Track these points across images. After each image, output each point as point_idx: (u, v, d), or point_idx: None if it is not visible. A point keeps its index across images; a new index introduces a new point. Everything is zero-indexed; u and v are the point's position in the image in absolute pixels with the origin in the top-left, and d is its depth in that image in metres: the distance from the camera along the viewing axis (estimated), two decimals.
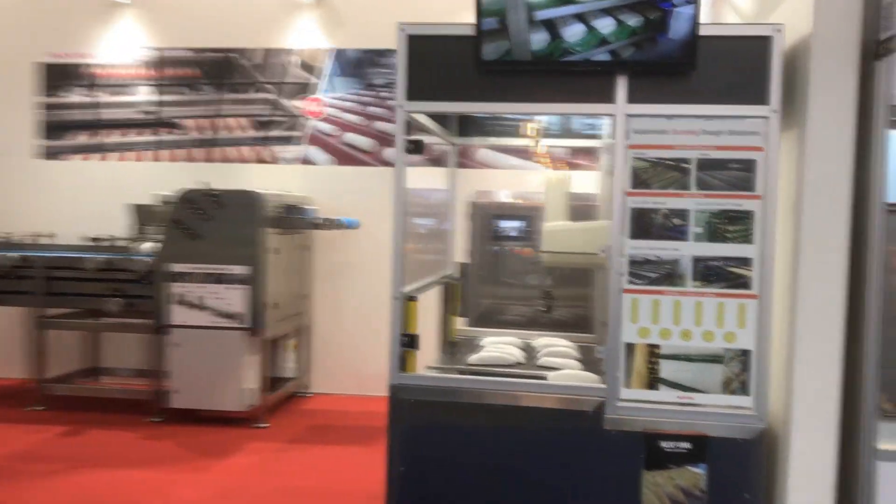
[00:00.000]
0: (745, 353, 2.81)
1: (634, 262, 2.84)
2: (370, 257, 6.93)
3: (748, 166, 2.78)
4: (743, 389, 2.81)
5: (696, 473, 2.80)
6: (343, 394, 6.97)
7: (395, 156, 3.01)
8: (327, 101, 7.07)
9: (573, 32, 2.73)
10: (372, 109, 6.99)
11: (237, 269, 5.97)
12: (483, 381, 2.98)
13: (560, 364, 3.24)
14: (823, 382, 2.68)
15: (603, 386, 2.87)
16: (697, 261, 2.82)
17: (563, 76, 2.80)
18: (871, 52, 2.59)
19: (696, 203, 2.81)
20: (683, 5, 2.64)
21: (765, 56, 2.74)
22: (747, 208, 2.79)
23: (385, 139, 6.96)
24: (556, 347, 3.57)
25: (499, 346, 3.61)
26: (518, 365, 3.33)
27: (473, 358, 3.30)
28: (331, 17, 7.06)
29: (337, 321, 7.02)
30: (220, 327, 6.00)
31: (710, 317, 2.81)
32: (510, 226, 4.89)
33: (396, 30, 2.96)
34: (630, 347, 2.86)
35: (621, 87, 2.79)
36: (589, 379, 3.05)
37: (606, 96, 2.80)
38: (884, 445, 2.64)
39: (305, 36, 7.08)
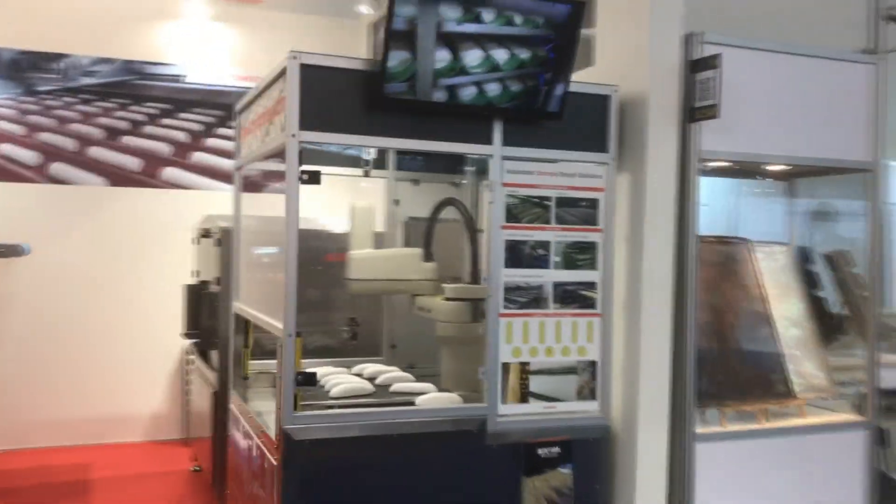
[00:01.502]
0: (592, 364, 3.27)
1: (507, 289, 3.14)
2: (36, 288, 6.14)
3: (593, 204, 3.26)
4: (591, 395, 3.27)
5: (565, 474, 3.18)
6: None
7: (288, 186, 2.88)
8: None
9: (467, 92, 2.94)
10: (35, 119, 6.18)
11: None
12: (378, 412, 3.02)
13: (417, 388, 3.38)
14: (658, 383, 3.25)
15: (484, 404, 3.11)
16: (556, 286, 3.21)
17: (451, 118, 2.99)
18: (688, 116, 3.23)
19: (555, 235, 3.20)
20: (558, 81, 3.02)
21: (605, 111, 3.25)
22: (592, 240, 3.26)
23: (53, 153, 6.20)
24: (390, 374, 3.68)
25: (334, 376, 3.61)
26: (376, 394, 3.39)
27: (335, 391, 3.27)
28: None
29: None
30: None
31: (566, 334, 3.22)
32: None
33: (287, 58, 2.85)
34: (505, 366, 3.14)
35: (497, 130, 3.08)
36: (454, 400, 3.25)
37: (485, 138, 3.07)
38: (699, 430, 3.29)
39: None
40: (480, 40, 2.91)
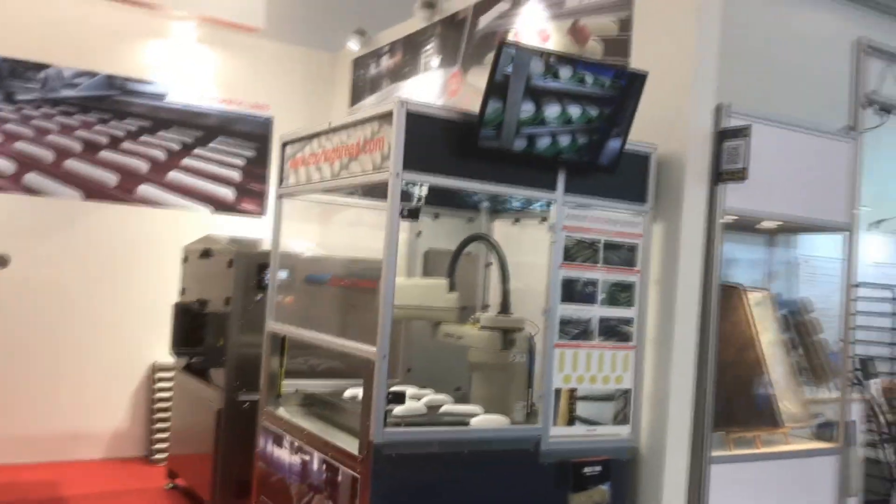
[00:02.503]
0: (626, 392, 3.66)
1: (562, 322, 3.48)
2: (12, 299, 6.02)
3: (632, 249, 3.67)
4: (625, 420, 3.66)
5: (604, 490, 3.54)
6: None
7: (389, 220, 3.13)
8: None
9: (542, 142, 3.30)
10: (10, 127, 6.08)
11: None
12: (455, 430, 3.29)
13: (466, 410, 3.65)
14: (682, 410, 3.67)
15: (538, 426, 3.43)
16: (602, 320, 3.59)
17: (524, 165, 3.34)
18: (716, 177, 3.70)
19: (602, 275, 3.58)
20: (616, 138, 3.42)
21: (645, 167, 3.68)
22: (631, 280, 3.66)
23: (27, 163, 6.11)
24: (430, 397, 3.94)
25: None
26: (428, 415, 3.64)
27: (396, 411, 3.51)
28: None
29: None
30: None
31: (607, 364, 3.60)
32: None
33: (395, 105, 3.11)
34: (556, 392, 3.48)
35: (561, 179, 3.44)
36: (504, 422, 3.55)
37: (550, 185, 3.43)
38: (714, 453, 3.72)
39: None
40: (559, 95, 3.28)
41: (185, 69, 6.68)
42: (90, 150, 6.33)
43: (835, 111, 4.36)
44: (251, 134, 6.96)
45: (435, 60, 5.76)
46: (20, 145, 6.12)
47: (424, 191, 3.77)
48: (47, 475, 5.83)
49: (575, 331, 3.52)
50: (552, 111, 3.27)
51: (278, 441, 3.90)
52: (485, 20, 5.24)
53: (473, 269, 4.72)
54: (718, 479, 3.72)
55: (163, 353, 6.49)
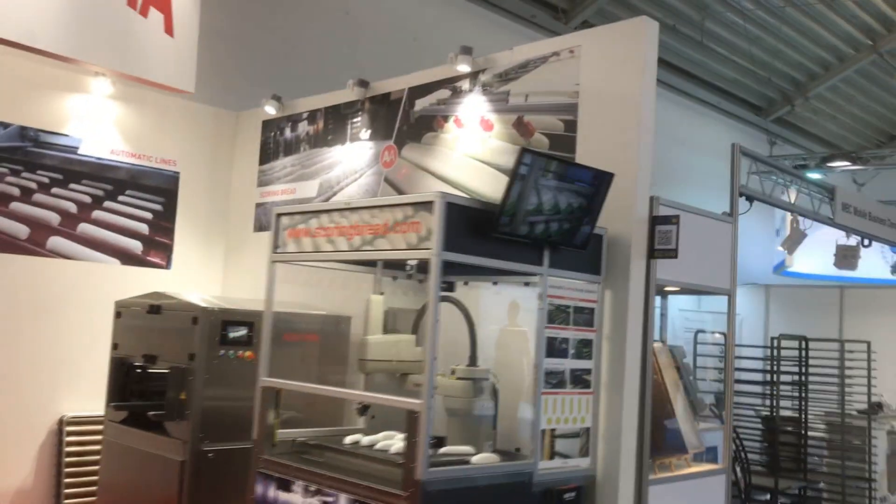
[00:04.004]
0: (587, 430, 4.46)
1: (547, 373, 4.23)
2: None
3: (591, 312, 4.50)
4: (586, 453, 4.45)
5: None
6: None
7: (431, 291, 3.73)
8: None
9: (538, 227, 4.06)
10: None
11: None
12: (478, 468, 3.93)
13: (461, 451, 4.26)
14: (629, 442, 4.53)
15: (531, 461, 4.13)
16: (571, 371, 4.38)
17: (520, 245, 4.08)
18: (651, 253, 4.64)
19: (572, 334, 4.38)
20: (588, 224, 4.26)
21: (599, 245, 4.54)
22: (590, 337, 4.49)
23: None
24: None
25: (386, 440, 4.38)
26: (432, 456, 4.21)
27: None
28: None
29: None
30: None
31: (575, 407, 4.39)
32: (237, 331, 5.28)
33: (437, 196, 3.73)
34: (542, 432, 4.21)
35: (546, 256, 4.22)
36: (495, 459, 4.21)
37: (537, 261, 4.19)
38: (651, 476, 4.61)
39: None
40: (553, 191, 4.06)
41: (98, 123, 6.74)
42: (1, 202, 6.23)
43: (715, 201, 5.51)
44: (159, 188, 7.11)
45: (365, 133, 6.35)
46: None
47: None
48: None
49: (554, 381, 4.28)
50: (548, 203, 4.05)
51: (284, 486, 4.29)
52: (422, 103, 5.93)
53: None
54: (653, 499, 4.61)
55: (72, 406, 6.48)
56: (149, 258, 7.04)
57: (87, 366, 6.56)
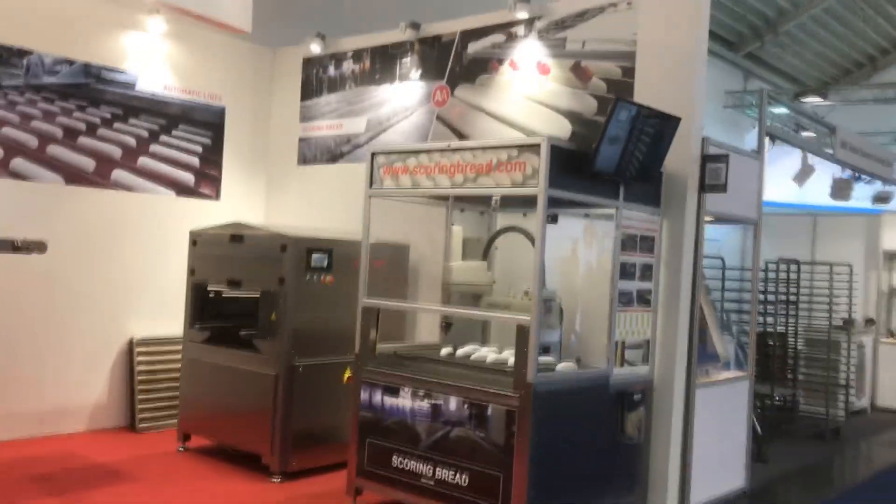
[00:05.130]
0: (647, 342, 5.15)
1: (620, 294, 4.87)
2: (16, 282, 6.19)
3: (652, 239, 5.14)
4: (646, 361, 5.15)
5: (642, 411, 5.01)
6: None
7: (538, 224, 4.30)
8: None
9: (621, 167, 4.64)
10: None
11: None
12: (571, 373, 4.57)
13: (548, 361, 4.89)
14: (682, 352, 5.23)
15: (605, 367, 4.81)
16: (638, 292, 5.03)
17: (604, 182, 4.66)
18: (703, 188, 5.27)
19: (638, 259, 5.02)
20: (656, 163, 4.85)
21: (659, 182, 5.15)
22: (651, 262, 5.14)
23: (14, 148, 6.25)
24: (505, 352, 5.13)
25: (477, 351, 5.01)
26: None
27: (490, 360, 4.73)
28: None
29: None
30: None
31: (639, 323, 5.06)
32: (319, 258, 5.78)
33: (543, 140, 4.27)
34: (616, 344, 4.88)
35: (621, 191, 4.81)
36: (572, 367, 4.87)
37: (614, 195, 4.78)
38: (702, 379, 5.34)
39: None
40: (635, 133, 4.63)
41: (152, 60, 7.03)
42: (70, 137, 6.53)
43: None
44: (207, 123, 7.45)
45: (415, 73, 6.78)
46: (6, 130, 6.20)
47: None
48: (53, 448, 6.12)
49: (624, 300, 4.94)
50: (631, 144, 4.62)
51: (392, 392, 4.89)
52: (474, 46, 6.38)
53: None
54: (699, 400, 5.35)
55: (139, 328, 6.95)
56: (200, 189, 7.42)
57: (151, 290, 7.02)
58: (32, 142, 6.33)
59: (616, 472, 4.96)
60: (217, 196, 7.54)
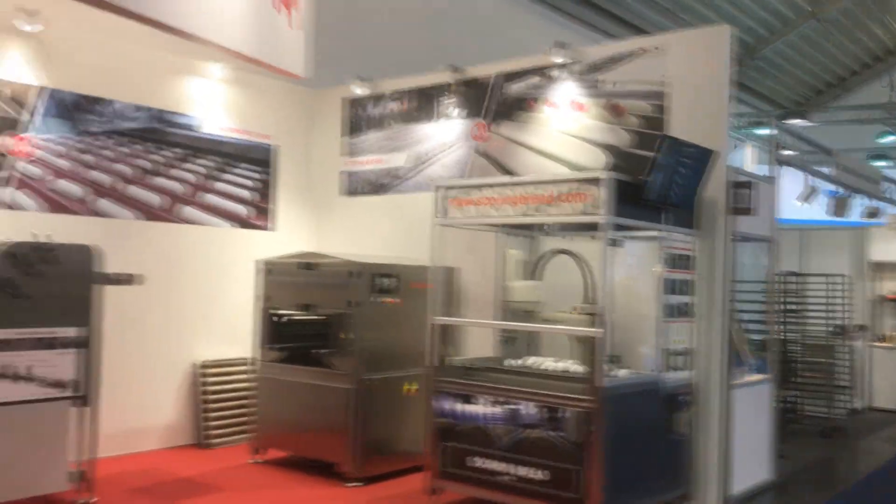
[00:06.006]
0: (688, 350, 5.81)
1: (665, 307, 5.53)
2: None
3: (689, 258, 5.81)
4: (688, 367, 5.81)
5: (688, 411, 5.66)
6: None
7: (604, 249, 4.95)
8: (38, 141, 6.50)
9: (666, 196, 5.32)
10: (86, 157, 6.77)
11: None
12: (634, 377, 5.22)
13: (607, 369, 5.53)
14: (720, 357, 5.89)
15: (657, 373, 5.46)
16: (680, 305, 5.70)
17: (650, 210, 5.33)
18: (731, 211, 5.96)
19: (679, 276, 5.69)
20: (695, 190, 5.54)
21: (695, 207, 5.84)
22: (690, 278, 5.81)
23: (98, 189, 6.81)
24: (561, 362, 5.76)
25: (542, 362, 5.63)
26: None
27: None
28: (43, 53, 6.54)
29: None
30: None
31: (681, 332, 5.72)
32: (384, 282, 6.39)
33: (604, 174, 4.93)
34: (664, 351, 5.54)
35: (664, 216, 5.49)
36: (627, 373, 5.51)
37: (658, 220, 5.46)
38: (734, 382, 6.01)
39: (14, 68, 6.37)
40: (678, 166, 5.32)
41: (212, 103, 7.63)
42: (143, 176, 7.10)
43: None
44: (260, 160, 8.05)
45: (454, 111, 7.44)
46: (93, 174, 6.78)
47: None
48: (139, 464, 6.63)
49: (670, 312, 5.60)
50: (675, 176, 5.31)
51: (467, 399, 5.49)
52: (512, 87, 7.06)
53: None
54: (734, 400, 6.02)
55: (204, 352, 7.49)
56: (255, 221, 8.01)
57: (215, 315, 7.58)
58: (113, 182, 6.89)
59: (667, 465, 5.60)
60: (270, 227, 8.13)
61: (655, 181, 5.17)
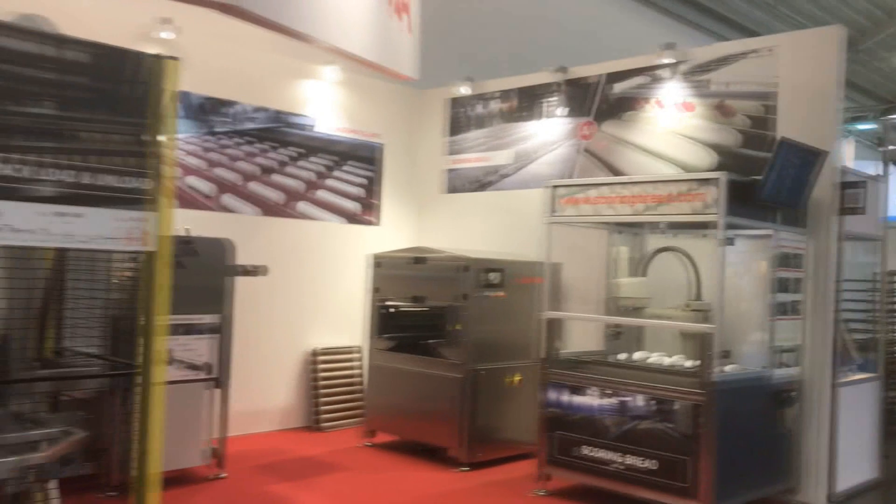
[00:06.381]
0: (797, 346, 5.88)
1: (776, 305, 5.62)
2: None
3: (800, 257, 5.88)
4: (796, 363, 5.88)
5: (795, 407, 5.74)
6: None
7: (718, 248, 5.08)
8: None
9: (779, 196, 5.41)
10: (211, 155, 7.22)
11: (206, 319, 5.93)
12: (744, 373, 5.35)
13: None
14: (826, 355, 5.94)
15: (765, 368, 5.56)
16: (790, 302, 5.78)
17: (763, 209, 5.43)
18: (842, 211, 5.99)
19: (791, 274, 5.77)
20: (807, 190, 5.61)
21: (806, 206, 5.90)
22: (800, 276, 5.88)
23: (224, 185, 7.25)
24: (668, 357, 5.91)
25: (651, 357, 5.79)
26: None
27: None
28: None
29: None
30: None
31: (791, 329, 5.80)
32: (492, 276, 6.65)
33: (721, 175, 5.06)
34: (772, 348, 5.63)
35: (778, 215, 5.58)
36: (738, 368, 5.62)
37: (772, 220, 5.55)
38: (840, 380, 6.05)
39: None
40: (792, 167, 5.40)
41: (326, 105, 8.02)
42: (264, 174, 7.53)
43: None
44: (369, 158, 8.41)
45: (561, 110, 7.63)
46: (218, 171, 7.23)
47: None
48: (262, 444, 7.07)
49: (780, 310, 5.69)
50: (788, 176, 5.39)
51: (579, 391, 5.71)
52: (619, 86, 7.21)
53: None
54: (840, 397, 6.06)
55: (318, 340, 7.89)
56: (364, 216, 8.37)
57: (327, 306, 7.97)
58: (237, 179, 7.34)
59: (773, 459, 5.70)
60: (378, 222, 8.48)
61: (769, 181, 5.27)
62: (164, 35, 6.75)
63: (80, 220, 2.49)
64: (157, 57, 3.09)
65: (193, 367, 5.88)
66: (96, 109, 2.58)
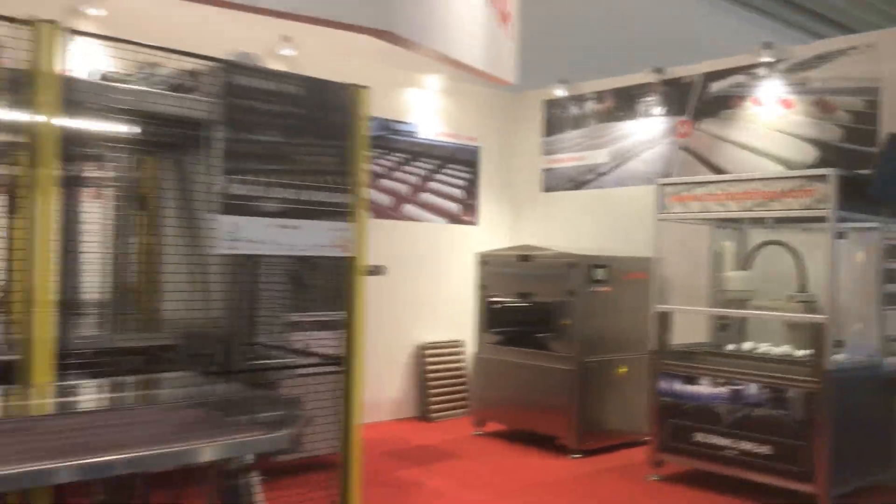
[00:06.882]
0: None
1: (885, 295, 5.79)
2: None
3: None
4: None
5: None
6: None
7: (831, 240, 5.29)
8: None
9: (885, 190, 5.58)
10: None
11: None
12: (856, 361, 5.56)
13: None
14: None
15: (877, 357, 5.74)
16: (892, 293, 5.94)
17: (865, 202, 5.62)
18: None
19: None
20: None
21: None
22: None
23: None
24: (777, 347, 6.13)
25: (762, 346, 6.03)
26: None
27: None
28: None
29: None
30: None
31: None
32: (598, 273, 6.95)
33: (831, 172, 5.27)
34: (884, 337, 5.81)
35: (883, 210, 5.75)
36: (845, 358, 5.81)
37: (874, 213, 5.73)
38: None
39: None
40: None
41: (427, 111, 8.41)
42: (375, 179, 7.97)
43: None
44: (467, 161, 8.79)
45: (657, 109, 7.88)
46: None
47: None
48: (379, 433, 7.50)
49: (889, 300, 5.86)
50: (892, 171, 5.57)
51: (690, 380, 5.97)
52: (717, 86, 7.42)
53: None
54: None
55: (425, 336, 8.29)
56: (463, 217, 8.75)
57: (433, 303, 8.38)
58: None
59: (885, 446, 5.88)
60: (475, 222, 8.85)
61: (880, 176, 5.45)
62: (285, 52, 7.22)
63: (298, 232, 2.87)
64: (354, 86, 3.48)
65: (327, 359, 6.32)
66: (310, 135, 2.95)
